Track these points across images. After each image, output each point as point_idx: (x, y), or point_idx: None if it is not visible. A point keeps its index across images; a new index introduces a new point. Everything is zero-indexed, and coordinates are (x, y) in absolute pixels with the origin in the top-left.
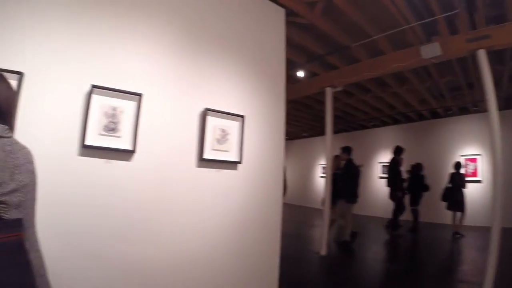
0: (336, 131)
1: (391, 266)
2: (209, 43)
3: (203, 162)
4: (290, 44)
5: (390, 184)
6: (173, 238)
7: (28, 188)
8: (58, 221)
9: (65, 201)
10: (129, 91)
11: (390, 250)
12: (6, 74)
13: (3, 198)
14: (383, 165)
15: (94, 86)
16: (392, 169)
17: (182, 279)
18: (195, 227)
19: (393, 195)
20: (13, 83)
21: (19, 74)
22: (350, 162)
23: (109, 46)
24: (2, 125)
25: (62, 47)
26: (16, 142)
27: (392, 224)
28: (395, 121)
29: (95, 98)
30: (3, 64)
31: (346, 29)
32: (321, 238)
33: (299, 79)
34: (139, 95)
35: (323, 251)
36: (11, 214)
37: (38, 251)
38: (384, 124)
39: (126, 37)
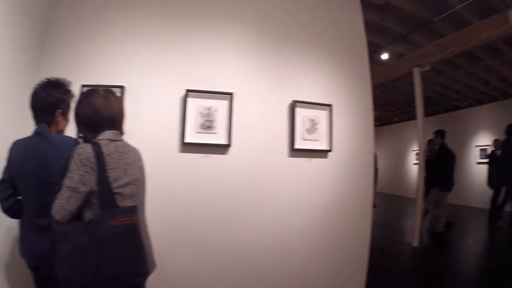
0: (428, 113)
1: (488, 262)
2: (290, 37)
3: (294, 152)
4: (370, 26)
5: (503, 170)
6: (267, 225)
7: (139, 181)
8: (163, 209)
9: (168, 192)
10: (220, 92)
11: (488, 244)
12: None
13: (119, 190)
14: (481, 149)
15: (188, 91)
16: (507, 153)
17: (272, 263)
18: (287, 214)
19: (505, 183)
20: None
21: (121, 87)
22: (444, 147)
23: (199, 53)
24: (115, 131)
25: (156, 60)
26: (127, 144)
27: (491, 215)
28: (492, 99)
29: (190, 101)
30: (108, 81)
31: (424, 3)
32: (413, 228)
33: (384, 62)
34: (230, 94)
35: (415, 242)
36: (126, 203)
37: (147, 233)
38: (480, 102)
39: (213, 43)
